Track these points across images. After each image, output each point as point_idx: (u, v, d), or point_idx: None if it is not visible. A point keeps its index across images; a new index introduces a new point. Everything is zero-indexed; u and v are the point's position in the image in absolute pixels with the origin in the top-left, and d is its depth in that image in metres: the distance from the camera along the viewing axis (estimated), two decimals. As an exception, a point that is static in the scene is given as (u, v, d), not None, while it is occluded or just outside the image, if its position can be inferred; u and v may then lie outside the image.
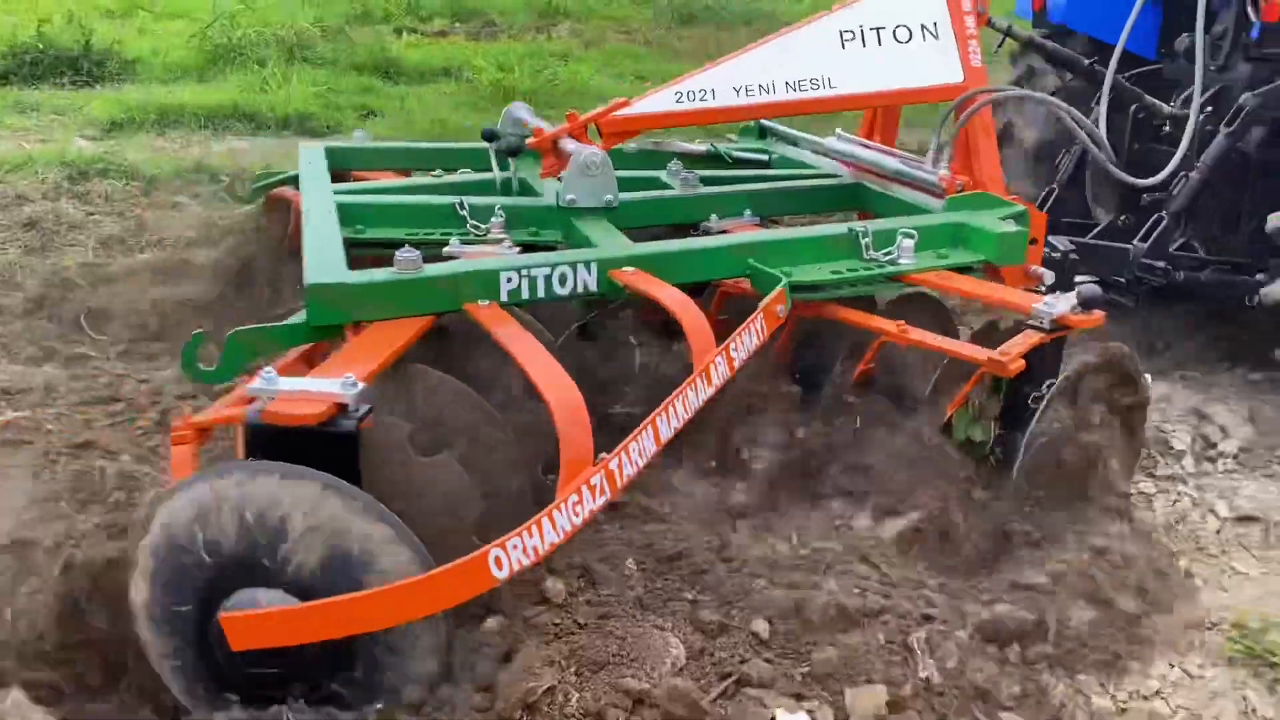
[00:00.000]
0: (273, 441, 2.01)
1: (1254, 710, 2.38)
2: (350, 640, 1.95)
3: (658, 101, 3.30)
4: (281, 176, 4.10)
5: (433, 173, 3.88)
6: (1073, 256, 3.52)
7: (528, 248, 3.02)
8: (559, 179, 3.26)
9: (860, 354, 2.93)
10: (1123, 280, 3.86)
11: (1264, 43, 3.80)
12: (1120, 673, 2.43)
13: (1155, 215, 3.90)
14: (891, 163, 3.72)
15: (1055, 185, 4.51)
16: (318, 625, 1.90)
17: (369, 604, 1.89)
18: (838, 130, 4.04)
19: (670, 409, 2.29)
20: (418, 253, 2.62)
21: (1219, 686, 2.44)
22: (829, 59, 3.39)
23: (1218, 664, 2.51)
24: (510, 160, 3.52)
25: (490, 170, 3.61)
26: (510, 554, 1.99)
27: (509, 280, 2.66)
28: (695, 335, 2.54)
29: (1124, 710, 2.34)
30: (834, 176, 3.91)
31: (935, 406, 2.76)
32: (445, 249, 2.93)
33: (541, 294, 2.72)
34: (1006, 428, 2.70)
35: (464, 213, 3.20)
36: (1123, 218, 4.20)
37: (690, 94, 3.29)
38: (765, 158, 3.92)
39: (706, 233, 3.44)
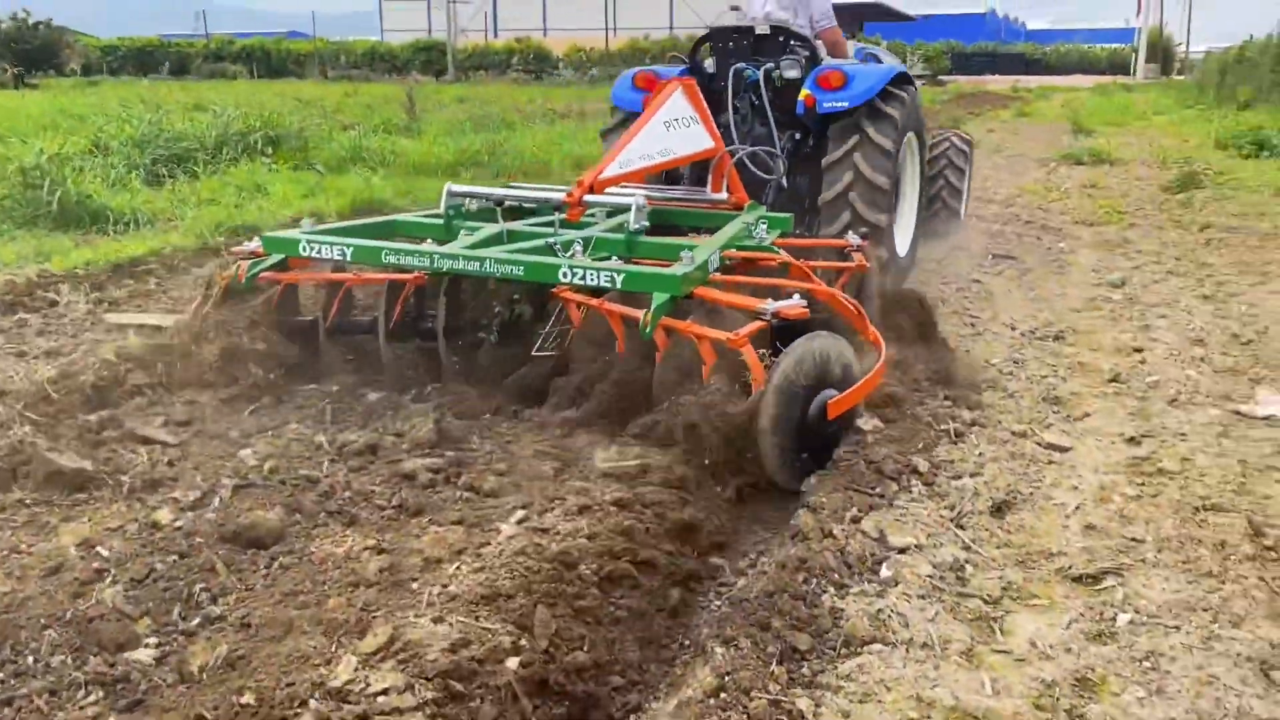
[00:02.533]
0: (785, 329, 3.91)
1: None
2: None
3: (613, 168, 5.13)
4: (272, 261, 4.86)
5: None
6: None
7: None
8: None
9: None
10: None
11: (804, 116, 6.33)
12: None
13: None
14: (689, 194, 5.97)
15: None
16: (856, 397, 3.83)
17: (868, 384, 3.90)
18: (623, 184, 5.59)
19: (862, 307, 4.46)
20: (691, 253, 4.44)
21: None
22: (668, 137, 5.58)
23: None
24: (556, 213, 5.10)
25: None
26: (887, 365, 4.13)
27: (713, 263, 4.53)
28: (800, 271, 4.71)
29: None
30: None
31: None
32: None
33: (716, 268, 4.58)
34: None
35: (558, 248, 4.66)
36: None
37: (623, 162, 5.19)
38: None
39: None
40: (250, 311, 4.72)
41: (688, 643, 2.87)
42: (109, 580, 3.03)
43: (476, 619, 2.63)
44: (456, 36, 54.51)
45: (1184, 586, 3.13)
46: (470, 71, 51.06)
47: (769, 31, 6.52)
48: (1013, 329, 6.14)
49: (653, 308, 4.04)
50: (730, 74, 6.47)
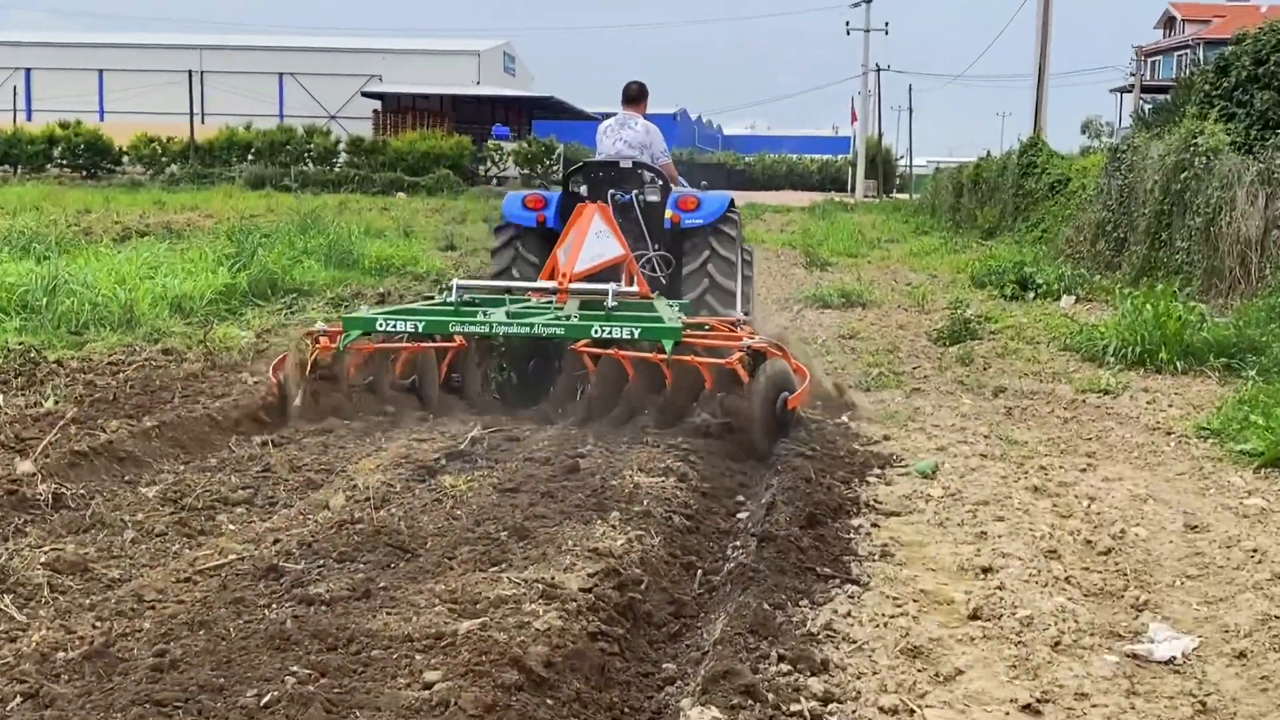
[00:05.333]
0: (755, 356, 8.11)
1: None
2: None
3: (577, 268, 9.39)
4: (356, 335, 8.31)
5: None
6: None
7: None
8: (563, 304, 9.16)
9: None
10: None
11: (669, 231, 10.52)
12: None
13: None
14: (617, 289, 9.01)
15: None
16: (805, 400, 8.35)
17: (805, 391, 8.25)
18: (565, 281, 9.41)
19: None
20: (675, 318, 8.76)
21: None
22: (600, 244, 9.76)
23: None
24: (553, 296, 9.31)
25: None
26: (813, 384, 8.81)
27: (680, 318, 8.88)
28: (723, 328, 9.05)
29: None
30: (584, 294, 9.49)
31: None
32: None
33: None
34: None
35: (560, 317, 8.67)
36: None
37: (581, 259, 9.47)
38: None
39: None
40: None
41: None
42: None
43: None
44: (-31, 117, 51.31)
45: None
46: (-10, 166, 48.14)
47: (630, 166, 10.73)
48: (826, 544, 6.12)
49: (669, 350, 7.91)
50: (609, 197, 10.50)
